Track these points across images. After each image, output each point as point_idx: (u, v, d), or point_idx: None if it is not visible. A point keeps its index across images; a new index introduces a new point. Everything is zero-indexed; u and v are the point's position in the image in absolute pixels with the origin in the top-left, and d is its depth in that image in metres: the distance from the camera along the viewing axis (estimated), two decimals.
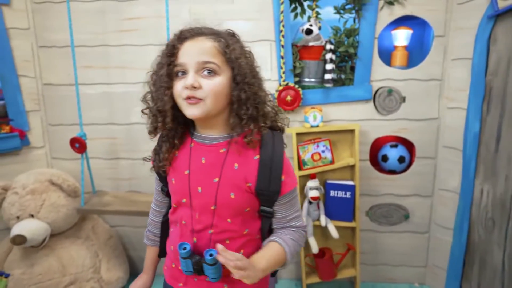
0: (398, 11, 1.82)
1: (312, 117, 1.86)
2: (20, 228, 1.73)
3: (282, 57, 1.86)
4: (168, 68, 0.79)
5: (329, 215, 1.95)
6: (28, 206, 1.80)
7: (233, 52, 0.79)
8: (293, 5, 1.95)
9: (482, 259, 1.83)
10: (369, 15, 1.82)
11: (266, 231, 0.90)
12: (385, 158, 2.00)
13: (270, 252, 0.84)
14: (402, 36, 1.92)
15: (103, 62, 1.97)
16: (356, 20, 1.88)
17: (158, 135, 0.89)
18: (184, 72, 0.79)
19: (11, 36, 1.90)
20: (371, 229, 2.08)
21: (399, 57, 1.93)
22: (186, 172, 0.85)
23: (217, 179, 0.82)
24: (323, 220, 1.91)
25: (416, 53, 2.01)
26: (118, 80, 1.97)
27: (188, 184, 0.84)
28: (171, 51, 0.79)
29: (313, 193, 1.87)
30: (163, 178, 0.92)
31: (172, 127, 0.84)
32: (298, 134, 1.90)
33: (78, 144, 1.81)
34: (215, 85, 0.78)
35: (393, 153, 1.98)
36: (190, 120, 0.85)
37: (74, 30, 1.74)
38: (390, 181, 2.01)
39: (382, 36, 1.91)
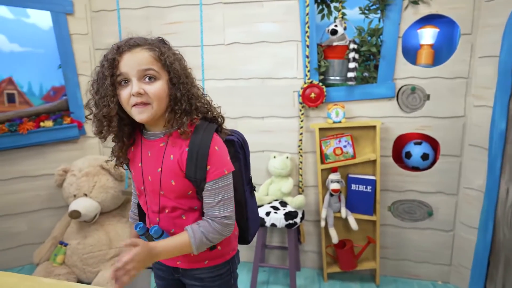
0: (423, 10, 1.85)
1: (334, 113, 1.95)
2: (76, 204, 2.03)
3: (307, 57, 1.98)
4: (111, 78, 0.86)
5: (350, 208, 2.03)
6: (83, 186, 2.09)
7: (167, 59, 0.88)
8: (320, 7, 2.05)
9: (507, 259, 1.81)
10: (393, 15, 1.87)
11: None
12: (408, 155, 2.03)
13: (175, 240, 0.92)
14: (428, 35, 1.94)
15: None
16: (381, 20, 1.94)
17: (107, 138, 0.96)
18: (127, 81, 0.87)
19: (73, 41, 2.22)
20: (394, 224, 2.12)
21: (424, 55, 1.95)
22: (140, 164, 0.98)
23: (159, 169, 0.94)
24: (344, 212, 2.00)
25: (444, 51, 2.01)
26: None
27: (141, 174, 0.98)
28: (111, 64, 0.86)
29: (334, 186, 1.96)
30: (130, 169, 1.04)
31: (118, 129, 0.92)
32: (321, 129, 2.00)
33: None
34: (157, 89, 0.87)
35: (416, 150, 2.01)
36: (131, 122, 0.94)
37: (124, 35, 1.99)
38: (413, 177, 2.04)
39: (408, 35, 1.95)
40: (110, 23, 2.21)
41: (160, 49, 0.88)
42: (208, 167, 0.90)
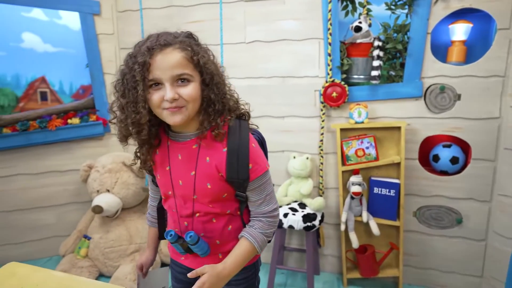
0: (455, 4, 1.74)
1: (356, 113, 1.88)
2: (99, 200, 2.09)
3: (329, 55, 1.92)
4: (143, 83, 0.81)
5: (372, 212, 1.94)
6: (105, 182, 2.15)
7: (201, 59, 0.83)
8: (344, 3, 1.98)
9: None
10: (422, 10, 1.77)
11: (244, 210, 0.98)
12: (436, 158, 1.92)
13: (240, 253, 0.91)
14: (460, 30, 1.82)
15: None
16: (408, 16, 1.84)
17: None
18: (158, 83, 0.82)
19: (100, 40, 2.29)
20: (419, 230, 2.01)
21: (456, 52, 1.83)
22: (168, 168, 0.93)
23: (193, 173, 0.90)
24: (365, 216, 1.92)
25: (477, 48, 1.88)
26: None
27: (170, 178, 0.93)
28: (143, 67, 0.80)
29: (355, 189, 1.89)
30: (152, 173, 1.00)
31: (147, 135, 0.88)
32: (342, 130, 1.93)
33: None
34: (192, 92, 0.83)
35: (445, 153, 1.89)
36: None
37: (146, 33, 2.02)
38: (441, 182, 1.92)
39: (437, 31, 1.83)
40: (134, 22, 2.26)
41: (192, 48, 0.84)
42: (251, 165, 0.88)
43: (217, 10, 2.07)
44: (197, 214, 0.94)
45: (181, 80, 0.82)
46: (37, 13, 2.48)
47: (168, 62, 0.81)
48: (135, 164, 0.99)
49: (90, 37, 2.26)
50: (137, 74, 0.80)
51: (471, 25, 1.81)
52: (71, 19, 2.51)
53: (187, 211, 0.94)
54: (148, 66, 0.80)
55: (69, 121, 2.27)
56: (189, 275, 0.83)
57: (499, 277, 1.87)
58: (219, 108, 0.87)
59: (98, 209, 2.05)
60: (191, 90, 0.83)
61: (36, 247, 2.38)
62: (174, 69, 0.81)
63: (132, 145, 0.94)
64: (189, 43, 0.84)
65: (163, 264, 2.23)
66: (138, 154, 0.96)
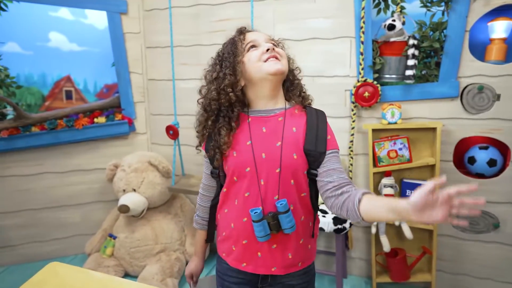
0: (496, 1, 1.67)
1: (390, 113, 1.83)
2: (125, 199, 2.08)
3: (362, 54, 1.87)
4: (241, 44, 0.95)
5: None
6: (132, 181, 2.14)
7: (279, 44, 1.00)
8: (376, 1, 1.93)
9: None
10: (460, 7, 1.71)
11: (315, 195, 0.96)
12: (472, 160, 1.85)
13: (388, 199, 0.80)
14: (500, 28, 1.75)
15: (196, 59, 2.23)
16: (445, 13, 1.78)
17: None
18: (254, 46, 0.94)
19: (126, 39, 2.28)
20: (453, 235, 1.95)
21: (495, 51, 1.76)
22: (249, 143, 0.92)
23: (279, 143, 0.91)
24: None
25: None
26: None
27: (252, 152, 0.91)
28: (240, 34, 0.98)
29: (388, 191, 1.84)
30: (219, 163, 0.95)
31: (231, 110, 0.94)
32: (374, 131, 1.88)
33: (172, 131, 2.09)
34: (283, 51, 0.97)
35: (482, 156, 1.82)
36: (242, 99, 0.96)
37: (173, 32, 2.01)
38: (477, 185, 1.85)
39: (475, 29, 1.77)
40: (161, 21, 2.25)
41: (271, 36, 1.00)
42: (329, 136, 0.93)
43: (245, 8, 2.04)
44: (277, 196, 0.91)
45: (273, 44, 0.95)
46: (64, 12, 2.50)
47: (260, 33, 0.98)
48: (200, 151, 1.03)
49: (116, 36, 2.26)
50: (236, 37, 0.96)
51: None
52: (97, 18, 2.52)
53: (268, 189, 0.91)
54: (244, 36, 0.96)
55: (95, 120, 2.28)
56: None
57: None
58: (299, 80, 1.02)
59: (124, 209, 2.05)
60: (281, 50, 0.96)
61: (62, 245, 2.39)
62: (266, 35, 0.97)
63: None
64: (268, 35, 1.00)
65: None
66: (216, 139, 0.93)
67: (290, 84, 0.99)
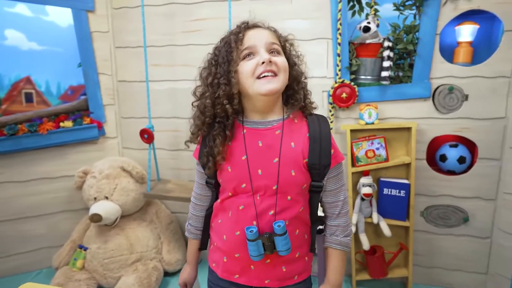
0: (464, 6, 1.75)
1: (367, 114, 1.86)
2: (97, 207, 1.96)
3: (339, 55, 1.89)
4: (237, 51, 0.84)
5: (382, 213, 1.94)
6: (103, 189, 2.03)
7: (286, 43, 0.92)
8: (351, 3, 1.96)
9: None
10: (431, 10, 1.78)
11: (315, 206, 0.94)
12: (443, 158, 1.94)
13: (337, 262, 0.95)
14: (466, 32, 1.84)
15: (170, 60, 2.15)
16: (417, 17, 1.84)
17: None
18: (250, 54, 0.85)
19: (94, 39, 2.16)
20: (427, 230, 2.02)
21: (462, 53, 1.86)
22: (244, 158, 0.87)
23: (276, 159, 0.86)
24: (376, 217, 1.91)
25: (483, 49, 1.91)
26: (183, 77, 2.14)
27: (247, 168, 0.87)
28: (237, 37, 0.85)
29: (366, 190, 1.87)
30: (210, 171, 0.93)
31: (226, 118, 0.89)
32: (352, 131, 1.91)
33: (147, 135, 2.00)
34: (283, 62, 0.87)
35: (452, 153, 1.91)
36: (238, 109, 0.90)
37: (146, 32, 1.93)
38: (448, 181, 1.94)
39: (444, 32, 1.85)
40: (131, 20, 2.15)
41: (278, 33, 0.92)
42: (332, 151, 0.90)
43: (222, 8, 2.00)
44: (272, 211, 0.87)
45: (272, 51, 0.86)
46: (21, 8, 2.32)
47: (261, 33, 0.87)
48: (189, 144, 0.97)
49: (83, 35, 2.13)
50: (232, 42, 0.85)
51: (477, 26, 1.83)
52: (59, 16, 2.36)
53: (263, 205, 0.87)
54: (242, 37, 0.85)
55: (61, 124, 2.13)
56: None
57: (504, 273, 1.91)
58: (304, 87, 0.93)
59: (96, 218, 1.93)
60: (283, 60, 0.86)
61: (25, 259, 2.21)
62: (268, 38, 0.86)
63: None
64: (275, 29, 0.92)
65: (165, 273, 2.14)
66: (209, 148, 0.90)
67: (293, 92, 0.91)
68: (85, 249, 2.07)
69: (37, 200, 2.18)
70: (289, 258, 0.91)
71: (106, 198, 2.03)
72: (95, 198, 2.03)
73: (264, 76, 0.83)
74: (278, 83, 0.84)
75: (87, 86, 2.19)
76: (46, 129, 2.07)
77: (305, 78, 0.94)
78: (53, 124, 2.10)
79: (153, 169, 2.17)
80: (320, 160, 0.87)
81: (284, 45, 0.90)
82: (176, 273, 2.19)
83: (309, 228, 0.96)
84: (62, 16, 2.35)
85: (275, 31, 0.91)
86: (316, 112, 0.96)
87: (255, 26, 0.89)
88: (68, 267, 2.06)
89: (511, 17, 1.71)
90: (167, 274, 2.16)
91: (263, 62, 0.83)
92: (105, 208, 1.98)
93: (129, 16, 2.15)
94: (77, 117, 2.17)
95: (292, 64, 0.90)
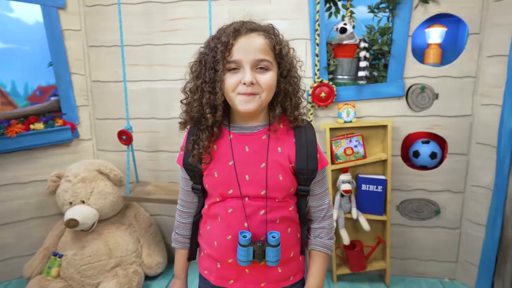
0: (433, 9, 1.85)
1: (345, 113, 1.92)
2: (73, 212, 1.89)
3: (317, 55, 1.94)
4: (223, 62, 0.81)
5: (361, 208, 2.00)
6: (79, 193, 1.95)
7: (283, 49, 0.86)
8: (327, 5, 2.01)
9: None
10: (403, 13, 1.86)
11: (303, 209, 0.95)
12: (416, 154, 2.03)
13: (320, 266, 0.96)
14: (436, 34, 1.94)
15: (147, 60, 2.10)
16: (390, 19, 1.92)
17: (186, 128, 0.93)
18: (236, 68, 0.82)
19: (66, 37, 2.07)
20: (402, 223, 2.12)
21: (432, 54, 1.96)
22: (231, 163, 0.87)
23: (264, 164, 0.86)
24: (355, 213, 1.97)
25: (450, 50, 2.03)
26: (161, 77, 2.10)
27: (235, 174, 0.86)
28: (226, 47, 0.81)
29: (345, 187, 1.93)
30: (196, 175, 0.92)
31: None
32: (331, 129, 1.96)
33: (125, 136, 1.95)
34: (269, 80, 0.83)
35: (424, 149, 2.01)
36: (220, 120, 0.88)
37: (125, 30, 1.87)
38: (421, 176, 2.04)
39: (415, 34, 1.94)
40: (105, 18, 2.08)
41: (276, 37, 0.85)
42: (318, 155, 0.90)
43: (200, 8, 1.99)
44: (263, 211, 0.87)
45: (260, 67, 0.83)
46: None
47: (252, 45, 0.82)
48: (192, 156, 0.90)
49: (54, 33, 2.04)
50: (219, 53, 0.81)
51: (445, 29, 1.94)
52: (25, 12, 2.24)
53: (252, 207, 0.87)
54: (231, 46, 0.81)
55: (31, 126, 2.02)
56: None
57: (472, 260, 2.03)
58: (296, 102, 0.88)
59: (73, 223, 1.85)
60: (269, 78, 0.83)
61: None
62: (257, 53, 0.82)
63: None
64: (273, 32, 0.86)
65: (146, 277, 2.10)
66: (195, 141, 0.89)
67: (284, 98, 0.88)
68: (60, 256, 1.98)
69: (5, 206, 2.06)
70: (285, 259, 0.91)
71: (83, 202, 1.96)
72: (70, 203, 1.95)
73: (244, 94, 0.82)
74: (256, 103, 0.83)
75: (59, 86, 2.10)
76: (15, 131, 1.96)
77: (297, 89, 0.90)
78: (22, 127, 1.99)
79: (132, 171, 2.12)
80: (307, 165, 0.87)
81: (280, 52, 0.85)
82: (157, 276, 2.15)
83: (300, 227, 0.96)
84: (29, 13, 2.23)
85: (272, 36, 0.85)
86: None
87: (248, 31, 0.83)
88: (42, 276, 1.96)
89: (475, 21, 1.83)
90: (148, 278, 2.11)
91: (244, 83, 0.81)
92: (82, 213, 1.90)
93: (103, 14, 2.08)
94: (48, 118, 2.07)
95: (284, 75, 0.86)
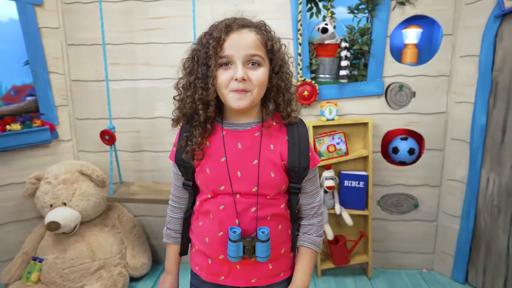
0: (409, 11, 1.93)
1: (328, 111, 1.97)
2: (54, 215, 1.84)
3: (300, 55, 1.97)
4: (215, 58, 0.81)
5: (343, 203, 2.06)
6: (60, 195, 1.90)
7: (274, 45, 0.86)
8: (309, 5, 2.06)
9: (488, 244, 1.95)
10: (382, 14, 1.93)
11: (294, 207, 0.96)
12: (395, 150, 2.11)
13: (307, 262, 0.96)
14: (412, 35, 2.02)
15: (129, 59, 2.07)
16: (369, 20, 1.99)
17: (179, 125, 0.93)
18: (228, 63, 0.83)
19: (43, 35, 2.01)
20: (382, 217, 2.19)
21: (409, 54, 2.04)
22: (223, 159, 0.87)
23: (256, 161, 0.87)
24: (338, 208, 2.02)
25: (426, 50, 2.12)
26: (143, 76, 2.08)
27: (227, 170, 0.87)
28: (218, 43, 0.81)
29: (329, 183, 1.98)
30: (188, 172, 0.93)
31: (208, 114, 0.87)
32: (314, 127, 2.01)
33: (108, 136, 1.92)
34: (261, 76, 0.83)
35: (403, 146, 2.09)
36: (212, 115, 0.88)
37: (106, 28, 1.84)
38: (400, 172, 2.12)
39: (393, 35, 2.01)
40: (84, 16, 2.04)
41: (268, 33, 0.86)
42: (310, 153, 0.90)
43: (182, 7, 1.98)
44: (254, 208, 0.88)
45: (252, 63, 0.83)
46: None
47: (243, 41, 0.82)
48: (184, 151, 0.90)
49: (30, 31, 1.97)
50: (211, 49, 0.81)
51: (421, 30, 2.02)
52: None
53: (244, 204, 0.88)
54: (223, 42, 0.81)
55: (7, 127, 1.95)
56: None
57: (448, 251, 2.13)
58: (289, 98, 0.89)
59: (54, 226, 1.81)
60: (260, 74, 0.83)
61: None
62: (248, 49, 0.82)
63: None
64: (265, 29, 0.87)
65: (131, 279, 2.07)
66: (188, 137, 0.89)
67: (276, 94, 0.88)
68: (40, 260, 1.92)
69: None
70: (275, 255, 0.92)
71: (64, 204, 1.91)
72: (51, 205, 1.90)
73: (236, 90, 0.83)
74: (248, 100, 0.83)
75: (36, 86, 2.03)
76: None
77: (289, 85, 0.90)
78: None
79: (115, 171, 2.09)
80: (299, 163, 0.88)
81: (271, 48, 0.85)
82: (142, 277, 2.13)
83: (291, 225, 0.97)
84: (2, 10, 2.16)
85: (263, 32, 0.85)
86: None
87: (240, 27, 0.83)
88: (21, 281, 1.90)
89: (448, 22, 1.92)
90: (133, 279, 2.09)
91: (236, 79, 0.81)
92: (64, 215, 1.86)
93: (82, 12, 2.04)
94: (26, 119, 2.01)
95: (276, 71, 0.87)
